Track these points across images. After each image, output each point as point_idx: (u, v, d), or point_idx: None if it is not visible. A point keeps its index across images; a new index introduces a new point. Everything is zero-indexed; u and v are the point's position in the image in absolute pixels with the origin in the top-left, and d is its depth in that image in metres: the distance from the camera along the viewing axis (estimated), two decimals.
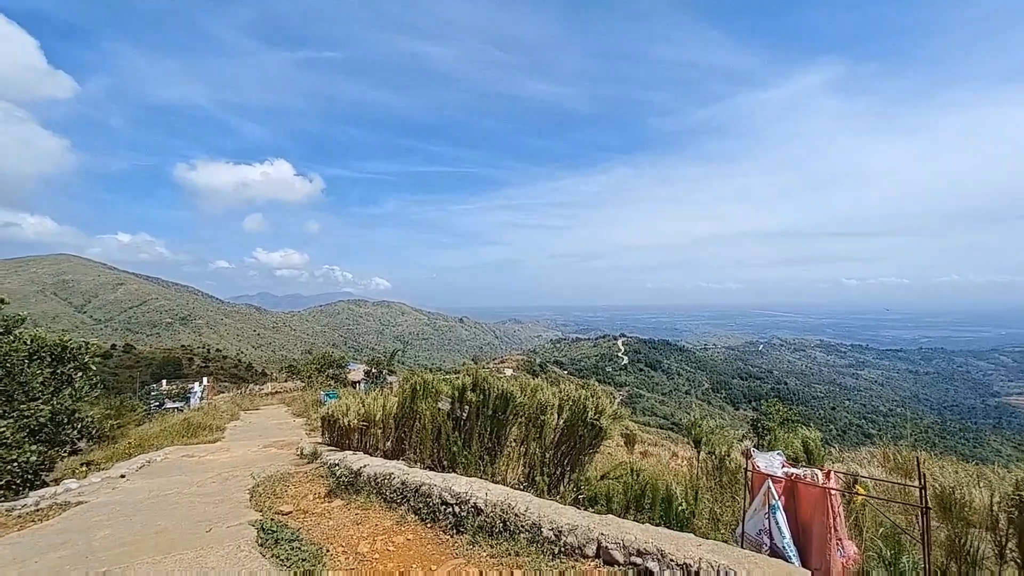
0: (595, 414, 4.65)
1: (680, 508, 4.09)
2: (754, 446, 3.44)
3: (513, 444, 5.46)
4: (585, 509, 4.18)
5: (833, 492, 2.94)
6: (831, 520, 2.90)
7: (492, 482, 4.98)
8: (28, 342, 7.86)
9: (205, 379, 35.05)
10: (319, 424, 10.48)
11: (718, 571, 2.75)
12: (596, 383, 6.24)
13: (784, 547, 2.95)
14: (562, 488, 4.74)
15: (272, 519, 4.13)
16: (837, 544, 2.90)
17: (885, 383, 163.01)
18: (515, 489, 4.73)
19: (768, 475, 3.12)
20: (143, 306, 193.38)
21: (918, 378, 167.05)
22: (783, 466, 3.22)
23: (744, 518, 3.20)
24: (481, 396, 5.42)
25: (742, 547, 3.18)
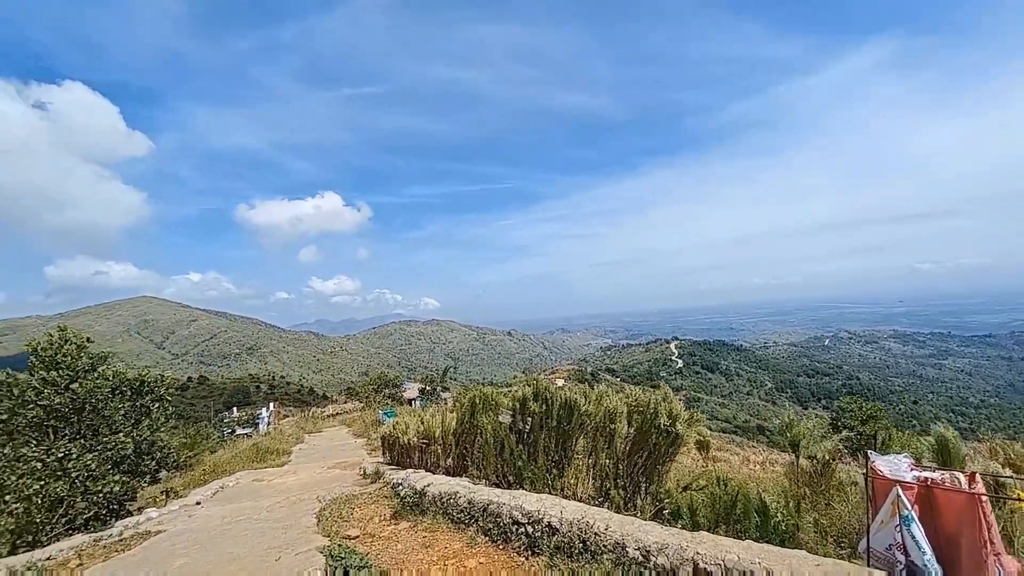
0: (669, 420, 4.26)
1: (778, 521, 3.62)
2: (874, 449, 2.96)
3: (580, 456, 5.14)
4: (668, 525, 3.80)
5: (984, 499, 2.44)
6: (984, 532, 2.40)
7: (562, 497, 4.68)
8: (110, 378, 8.32)
9: (271, 404, 36.63)
10: (379, 443, 10.51)
11: None
12: (651, 388, 5.83)
13: (925, 565, 2.47)
14: (639, 502, 4.37)
15: (340, 544, 4.01)
16: (995, 560, 2.40)
17: (974, 372, 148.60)
18: (587, 504, 4.40)
19: (895, 481, 2.65)
20: (214, 339, 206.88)
21: (1012, 364, 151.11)
22: (911, 469, 2.74)
23: (869, 532, 2.73)
24: (544, 406, 5.14)
25: (869, 565, 2.71)
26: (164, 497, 9.51)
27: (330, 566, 3.55)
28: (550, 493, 4.70)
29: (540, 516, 3.69)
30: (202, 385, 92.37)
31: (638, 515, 4.17)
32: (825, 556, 3.01)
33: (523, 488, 4.89)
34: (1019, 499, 2.64)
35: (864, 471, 2.83)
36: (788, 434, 4.32)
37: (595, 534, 3.34)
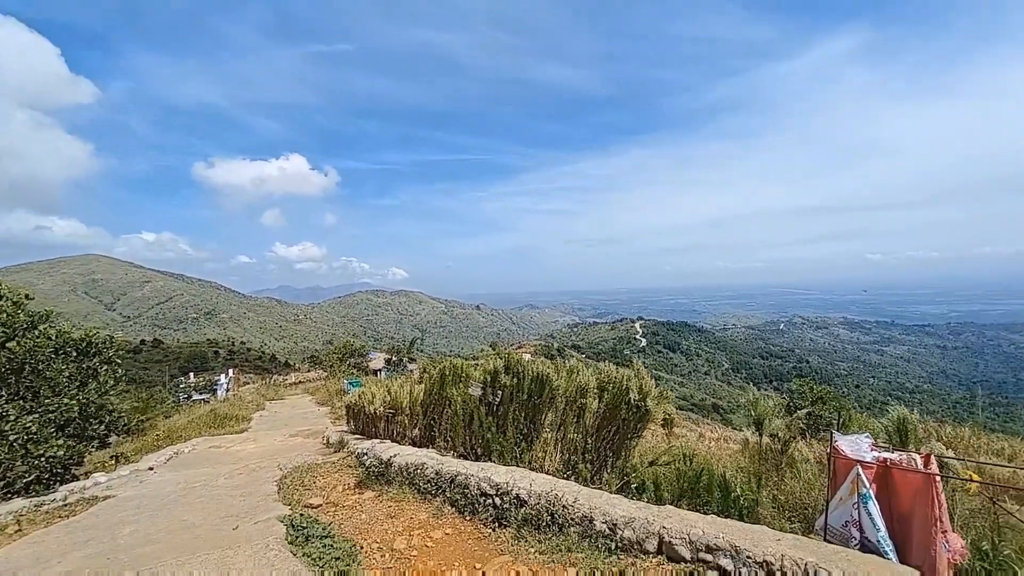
0: (639, 396, 4.29)
1: (737, 496, 3.73)
2: (837, 429, 3.05)
3: (549, 430, 5.16)
4: (634, 498, 3.87)
5: (938, 479, 2.55)
6: (936, 510, 2.51)
7: (531, 470, 4.70)
8: (53, 337, 7.79)
9: (231, 371, 35.62)
10: (344, 412, 10.35)
11: (806, 570, 2.40)
12: (614, 365, 5.88)
13: (879, 541, 2.58)
14: (606, 475, 4.43)
15: (301, 513, 3.90)
16: (942, 537, 2.52)
17: (912, 359, 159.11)
18: (553, 477, 4.44)
19: (856, 460, 2.74)
20: (169, 302, 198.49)
21: (946, 353, 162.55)
22: (871, 449, 2.83)
23: (828, 508, 2.83)
24: (515, 380, 5.11)
25: (825, 540, 2.82)
26: (114, 462, 9.13)
27: (291, 535, 3.45)
28: (518, 466, 4.71)
29: (508, 488, 3.68)
30: (156, 349, 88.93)
31: (605, 489, 4.24)
32: (782, 531, 3.11)
33: (491, 461, 4.88)
34: (970, 479, 2.77)
35: (828, 450, 2.91)
36: (753, 411, 4.44)
37: (563, 507, 3.36)
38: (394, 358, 32.93)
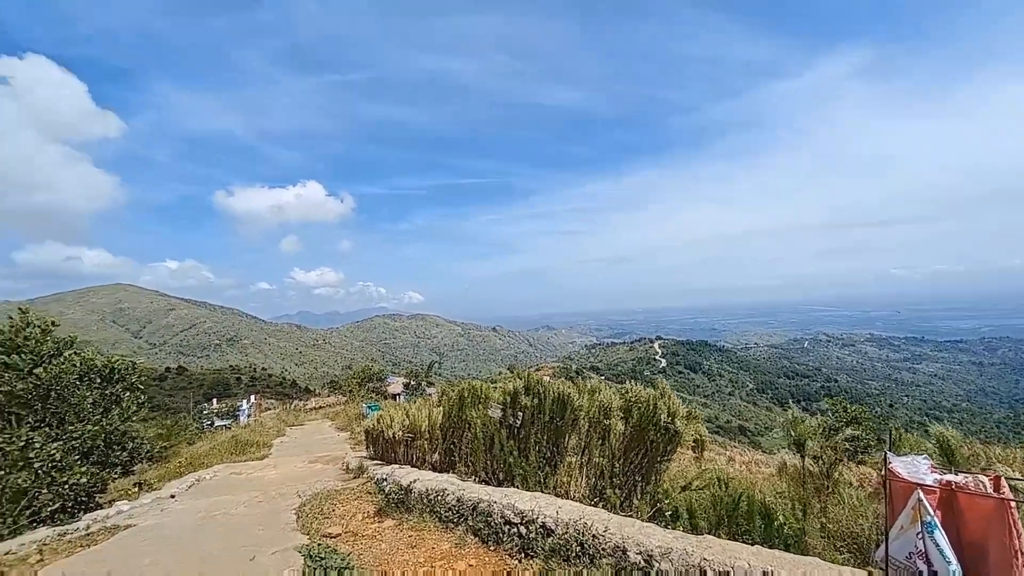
0: (668, 416, 4.10)
1: (781, 524, 3.48)
2: (890, 450, 2.80)
3: (573, 453, 4.96)
4: (667, 526, 3.64)
5: (1013, 505, 2.31)
6: (1014, 540, 2.27)
7: (555, 495, 4.49)
8: (78, 364, 7.91)
9: (252, 397, 35.89)
10: (363, 437, 10.22)
11: None
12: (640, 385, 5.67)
13: (952, 574, 2.33)
14: (635, 501, 4.20)
15: (320, 543, 3.77)
16: (1017, 567, 2.27)
17: (947, 377, 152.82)
18: (580, 503, 4.23)
19: (916, 484, 2.51)
20: (193, 329, 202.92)
21: (983, 370, 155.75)
22: (931, 471, 2.59)
23: (887, 538, 2.58)
24: (536, 401, 4.95)
25: (885, 572, 2.57)
26: (136, 490, 9.12)
27: (309, 567, 3.31)
28: (542, 491, 4.51)
29: (534, 516, 3.50)
30: (180, 376, 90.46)
31: (635, 515, 4.01)
32: (834, 562, 2.87)
33: (514, 486, 4.70)
34: None
35: (882, 473, 2.68)
36: (793, 432, 4.18)
37: (593, 536, 3.16)
38: (412, 382, 32.82)
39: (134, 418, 8.39)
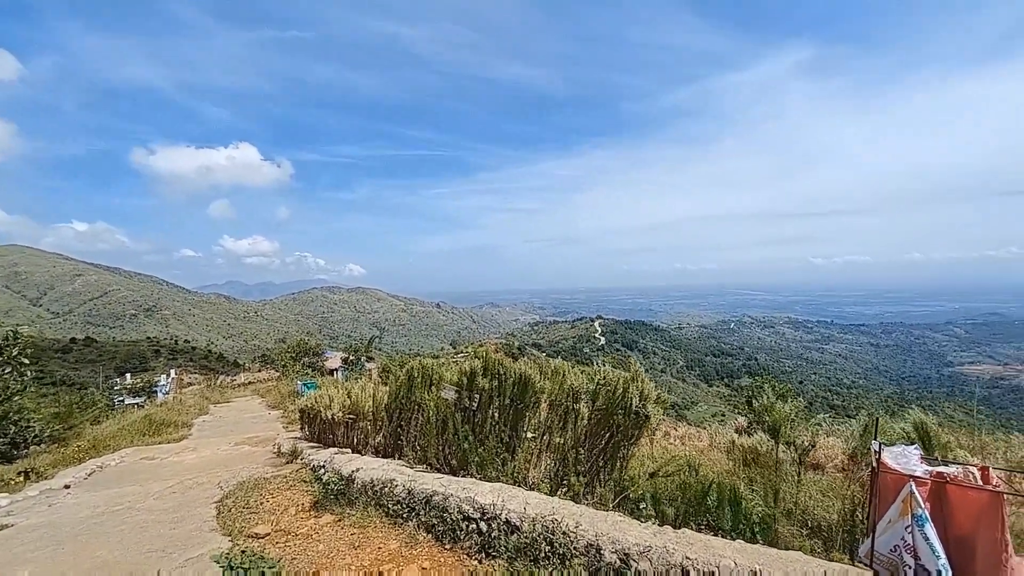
0: (640, 400, 3.87)
1: (749, 512, 3.36)
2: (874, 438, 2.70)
3: (533, 437, 4.66)
4: (631, 514, 3.43)
5: (1005, 498, 2.22)
6: (1004, 533, 2.19)
7: (513, 482, 4.19)
8: None
9: (172, 371, 33.15)
10: (297, 417, 9.48)
11: None
12: (609, 366, 5.47)
13: (940, 570, 2.22)
14: (599, 489, 3.98)
15: (243, 549, 3.22)
16: (1011, 564, 2.20)
17: (848, 356, 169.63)
18: (545, 494, 3.96)
19: (908, 476, 2.38)
20: (104, 297, 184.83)
21: (879, 351, 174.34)
22: (921, 462, 2.49)
23: (874, 532, 2.46)
24: (495, 382, 4.58)
25: (871, 568, 2.45)
26: (22, 479, 7.91)
27: None
28: (499, 478, 4.19)
29: (496, 511, 3.15)
30: (89, 348, 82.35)
31: (599, 504, 3.78)
32: (810, 553, 2.74)
33: (469, 473, 4.34)
34: None
35: (872, 463, 2.54)
36: (767, 417, 4.10)
37: (564, 533, 2.86)
38: (351, 357, 31.60)
39: (18, 396, 7.20)
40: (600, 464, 4.11)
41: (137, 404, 20.80)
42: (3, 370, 6.98)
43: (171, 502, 4.98)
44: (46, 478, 7.61)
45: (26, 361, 7.34)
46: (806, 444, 3.86)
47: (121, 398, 26.04)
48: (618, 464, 4.06)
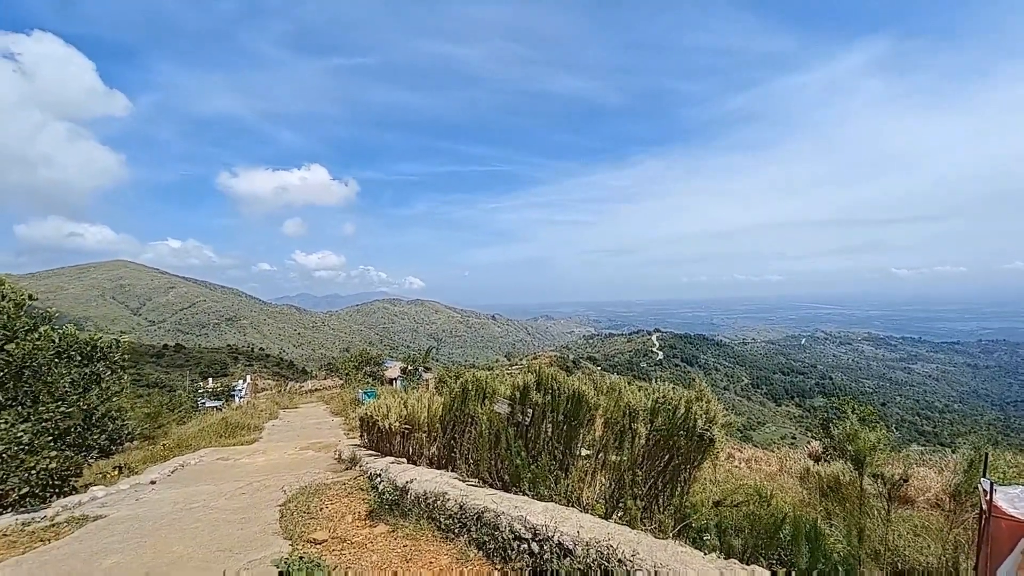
0: (705, 423, 3.63)
1: (829, 550, 3.03)
2: (984, 475, 2.34)
3: (587, 455, 4.51)
4: (697, 546, 3.19)
5: None
6: None
7: (566, 501, 4.05)
8: (55, 340, 7.43)
9: (248, 377, 35.59)
10: (357, 424, 9.81)
11: None
12: (628, 379, 5.21)
13: None
14: (658, 514, 3.76)
15: (302, 556, 3.31)
16: None
17: (941, 378, 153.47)
18: (600, 517, 3.80)
19: None
20: (192, 308, 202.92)
21: (977, 372, 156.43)
22: None
23: None
24: (548, 398, 4.48)
25: None
26: (116, 473, 8.71)
27: None
28: (552, 497, 4.07)
29: (549, 532, 3.04)
30: (178, 353, 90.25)
31: (658, 530, 3.57)
32: None
33: (521, 489, 4.25)
34: None
35: (982, 505, 2.21)
36: (850, 447, 3.72)
37: (619, 561, 2.70)
38: (410, 367, 32.49)
39: (116, 398, 7.94)
40: (659, 488, 3.89)
41: (216, 407, 22.43)
42: (106, 373, 7.70)
43: (240, 503, 5.26)
44: (136, 473, 8.32)
45: (124, 366, 8.09)
46: (897, 477, 3.44)
47: (203, 401, 28.22)
48: (679, 489, 3.82)
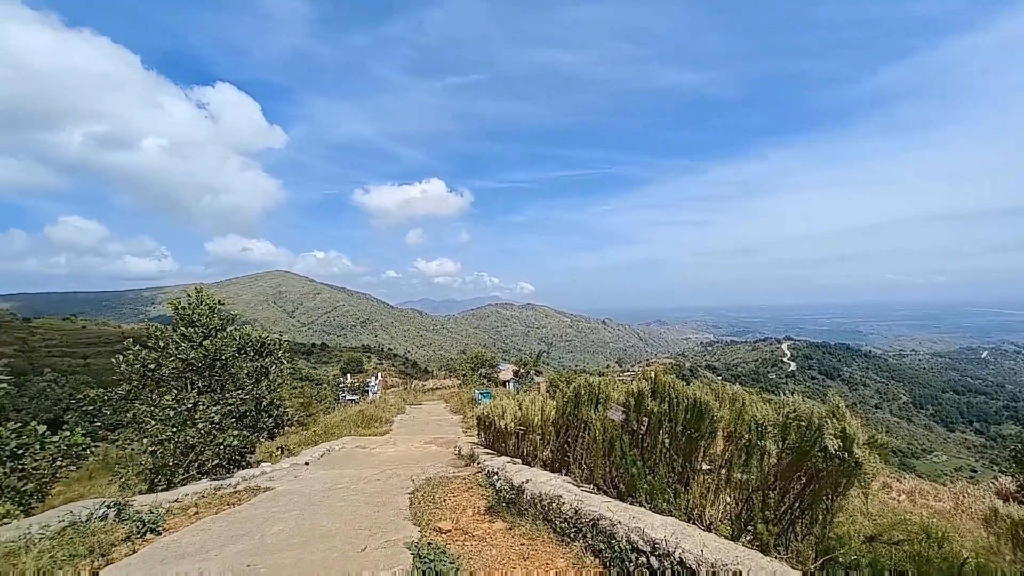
0: (839, 442, 3.23)
1: None
2: None
3: (709, 470, 4.25)
4: None
5: None
6: None
7: (687, 518, 3.87)
8: (237, 338, 8.97)
9: (379, 374, 39.38)
10: (475, 423, 10.34)
11: None
12: (799, 397, 4.66)
13: None
14: (795, 543, 3.41)
15: (430, 542, 3.60)
16: None
17: None
18: (714, 531, 3.59)
19: None
20: (334, 311, 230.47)
21: None
22: None
23: None
24: (664, 406, 4.32)
25: None
26: (279, 453, 10.21)
27: (417, 568, 3.14)
28: (671, 511, 3.91)
29: (669, 548, 2.94)
30: (323, 351, 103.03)
31: (796, 560, 3.25)
32: None
33: (637, 500, 4.15)
34: None
35: None
36: None
37: None
38: (522, 370, 33.26)
39: (278, 389, 9.36)
40: (795, 514, 3.53)
41: (354, 400, 25.11)
42: (273, 367, 9.12)
43: (376, 487, 5.86)
44: (294, 454, 9.66)
45: (285, 362, 9.52)
46: None
47: (343, 394, 31.79)
48: (820, 517, 3.42)
